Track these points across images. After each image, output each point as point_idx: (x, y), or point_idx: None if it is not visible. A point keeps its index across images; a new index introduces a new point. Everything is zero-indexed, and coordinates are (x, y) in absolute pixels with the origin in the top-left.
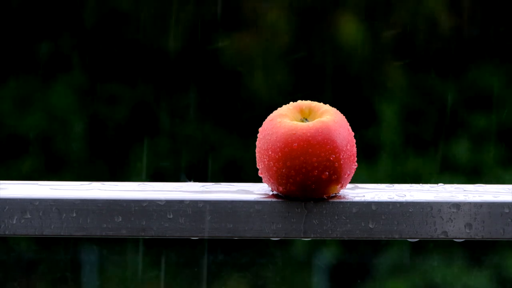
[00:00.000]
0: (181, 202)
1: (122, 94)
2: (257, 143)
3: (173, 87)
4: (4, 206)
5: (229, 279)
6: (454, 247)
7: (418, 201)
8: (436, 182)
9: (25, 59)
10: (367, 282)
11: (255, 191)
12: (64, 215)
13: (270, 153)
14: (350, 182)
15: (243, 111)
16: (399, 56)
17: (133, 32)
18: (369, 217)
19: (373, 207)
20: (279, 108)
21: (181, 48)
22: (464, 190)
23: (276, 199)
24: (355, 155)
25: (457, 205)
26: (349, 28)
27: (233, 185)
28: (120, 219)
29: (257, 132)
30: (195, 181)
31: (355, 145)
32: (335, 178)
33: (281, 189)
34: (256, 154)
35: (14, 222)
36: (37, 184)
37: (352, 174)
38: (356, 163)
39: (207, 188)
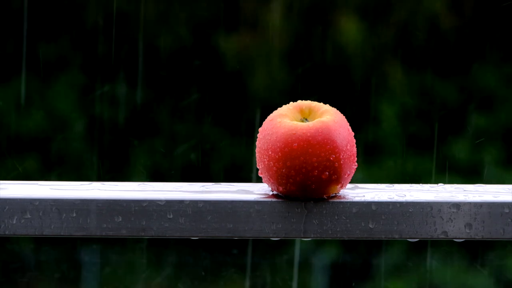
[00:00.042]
0: (181, 202)
1: (122, 94)
2: (257, 143)
3: (173, 87)
4: (4, 206)
5: (229, 279)
6: (454, 247)
7: (418, 201)
8: (436, 182)
9: (25, 59)
10: (367, 282)
11: (255, 191)
12: (64, 215)
13: (270, 153)
14: (350, 182)
15: (243, 111)
16: (399, 56)
17: (133, 32)
18: (369, 217)
19: (373, 207)
20: (279, 108)
21: (181, 48)
22: (464, 190)
23: (276, 199)
24: (355, 155)
25: (457, 205)
26: (349, 28)
27: (233, 185)
28: (120, 219)
29: (257, 132)
30: (195, 181)
31: (355, 145)
32: (335, 178)
33: (281, 189)
34: (256, 154)
35: (14, 222)
36: (37, 184)
37: (352, 174)
38: (356, 163)
39: (207, 188)
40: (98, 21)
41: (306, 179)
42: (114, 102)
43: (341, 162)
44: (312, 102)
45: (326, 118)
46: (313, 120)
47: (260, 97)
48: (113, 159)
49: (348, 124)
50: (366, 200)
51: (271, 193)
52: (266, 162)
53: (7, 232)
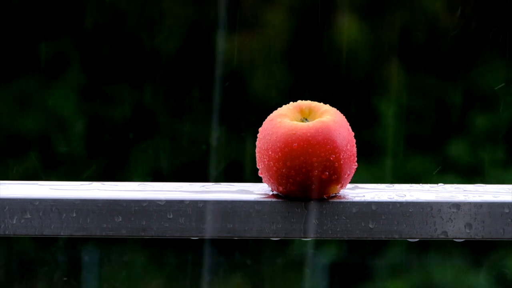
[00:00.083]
0: (181, 202)
1: (122, 94)
2: (257, 143)
3: (173, 87)
4: (4, 206)
5: (229, 279)
6: (454, 247)
7: (418, 201)
8: (436, 182)
9: (25, 59)
10: (367, 282)
11: (255, 191)
12: (64, 215)
13: (270, 153)
14: (350, 182)
15: (243, 111)
16: (399, 56)
17: (133, 32)
18: (369, 217)
19: (373, 207)
20: (279, 108)
21: (181, 48)
22: (464, 190)
23: (276, 199)
24: (355, 155)
25: (457, 205)
26: (349, 28)
27: (233, 185)
28: (120, 219)
29: (257, 132)
30: (195, 181)
31: (355, 145)
32: (335, 178)
33: (281, 189)
34: (256, 154)
35: (14, 222)
36: (37, 184)
37: (352, 174)
38: (356, 163)
39: (207, 188)
40: (98, 20)
41: (306, 179)
42: (114, 102)
43: (341, 162)
44: (312, 102)
45: (326, 118)
46: (313, 120)
47: (260, 97)
48: (113, 159)
49: (348, 124)
50: (366, 200)
51: (271, 193)
52: (266, 162)
53: (7, 232)
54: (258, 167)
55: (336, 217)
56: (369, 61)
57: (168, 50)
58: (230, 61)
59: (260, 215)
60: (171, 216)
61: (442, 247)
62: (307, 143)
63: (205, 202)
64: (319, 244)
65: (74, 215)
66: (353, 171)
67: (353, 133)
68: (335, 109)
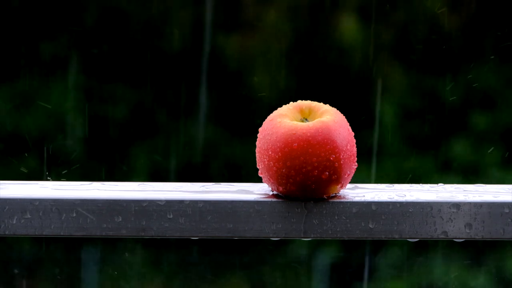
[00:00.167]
0: (181, 202)
1: (122, 94)
2: (257, 143)
3: (173, 87)
4: (4, 206)
5: (229, 279)
6: (454, 247)
7: (418, 201)
8: (436, 182)
9: (25, 59)
10: (367, 282)
11: (255, 191)
12: (64, 215)
13: (270, 153)
14: (350, 182)
15: (243, 111)
16: (399, 56)
17: (133, 32)
18: (369, 217)
19: (373, 207)
20: (279, 108)
21: (181, 48)
22: (464, 190)
23: (276, 199)
24: (355, 155)
25: (457, 205)
26: (349, 28)
27: (233, 185)
28: (120, 219)
29: (257, 132)
30: (195, 181)
31: (355, 145)
32: (335, 178)
33: (281, 189)
34: (256, 154)
35: (14, 222)
36: (37, 184)
37: (352, 174)
38: (356, 163)
39: (207, 188)
40: (98, 20)
41: (306, 179)
42: (114, 102)
43: (341, 162)
44: (312, 102)
45: (326, 118)
46: (313, 120)
47: (260, 97)
48: (113, 159)
49: (348, 124)
50: (366, 200)
51: (271, 193)
52: (266, 162)
53: (7, 232)
54: (258, 167)
55: (336, 217)
56: (369, 61)
57: (168, 50)
58: (230, 61)
59: (260, 215)
60: (171, 216)
61: (442, 247)
62: (307, 143)
63: (205, 202)
64: (319, 244)
65: (74, 215)
66: (353, 171)
67: (353, 133)
68: (335, 109)
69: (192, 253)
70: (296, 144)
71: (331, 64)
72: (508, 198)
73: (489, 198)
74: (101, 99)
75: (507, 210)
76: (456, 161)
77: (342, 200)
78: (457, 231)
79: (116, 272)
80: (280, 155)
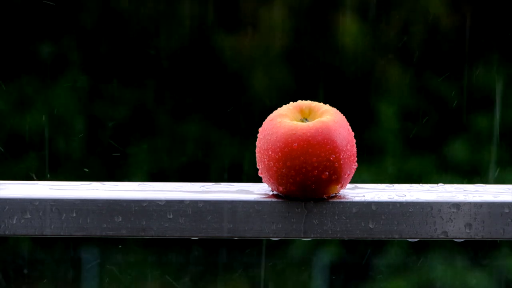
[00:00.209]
0: (181, 202)
1: (122, 94)
2: (257, 143)
3: (173, 87)
4: (4, 206)
5: (229, 279)
6: (454, 247)
7: (418, 201)
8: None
9: (25, 59)
10: (367, 282)
11: (255, 191)
12: (64, 215)
13: (270, 153)
14: (350, 182)
15: (243, 111)
16: (399, 56)
17: (133, 32)
18: (369, 217)
19: (373, 207)
20: (279, 108)
21: (181, 48)
22: (464, 190)
23: (276, 199)
24: (355, 155)
25: (457, 205)
26: (349, 28)
27: (233, 185)
28: (120, 219)
29: (257, 132)
30: (195, 181)
31: (355, 145)
32: (335, 178)
33: (281, 189)
34: (256, 154)
35: (14, 222)
36: (37, 184)
37: (352, 174)
38: (356, 163)
39: (207, 188)
40: (98, 21)
41: (306, 179)
42: (114, 102)
43: (341, 162)
44: (312, 102)
45: (326, 118)
46: (313, 120)
47: (260, 97)
48: (113, 159)
49: (348, 124)
50: (366, 200)
51: (271, 193)
52: (266, 162)
53: (7, 232)
54: (258, 167)
55: (336, 217)
56: (369, 61)
57: (168, 50)
58: (230, 61)
59: (260, 215)
60: (171, 216)
61: (442, 247)
62: (307, 143)
63: (205, 202)
64: (319, 244)
65: (74, 215)
66: (353, 171)
67: (353, 133)
68: (335, 109)
69: (192, 253)
70: (296, 144)
71: (331, 64)
72: (508, 198)
73: (489, 198)
74: (101, 99)
75: (507, 210)
76: (456, 161)
77: (342, 200)
78: (457, 231)
79: (116, 272)
80: (280, 155)
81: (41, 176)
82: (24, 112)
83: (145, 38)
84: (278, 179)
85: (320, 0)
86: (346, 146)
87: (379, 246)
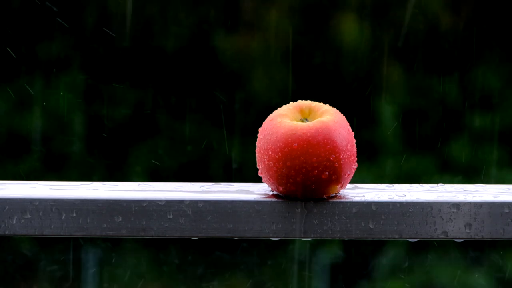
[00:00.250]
0: (181, 202)
1: (122, 94)
2: (257, 143)
3: (173, 87)
4: (4, 206)
5: (229, 279)
6: (454, 247)
7: (418, 201)
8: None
9: (25, 59)
10: (367, 282)
11: (255, 191)
12: (64, 215)
13: (270, 153)
14: (350, 182)
15: (243, 111)
16: (399, 56)
17: (133, 32)
18: (369, 217)
19: (373, 207)
20: (279, 108)
21: (181, 48)
22: (464, 190)
23: (276, 199)
24: (355, 155)
25: (457, 205)
26: (349, 28)
27: (233, 185)
28: (120, 219)
29: (257, 132)
30: (195, 181)
31: (355, 145)
32: (335, 178)
33: (281, 189)
34: (256, 154)
35: (14, 222)
36: (37, 184)
37: (352, 174)
38: (356, 163)
39: (207, 188)
40: (98, 20)
41: (306, 179)
42: (114, 102)
43: (341, 162)
44: (312, 102)
45: (326, 118)
46: (313, 120)
47: (260, 97)
48: (113, 159)
49: (348, 124)
50: (366, 200)
51: (271, 193)
52: (266, 162)
53: (7, 232)
54: (258, 167)
55: (336, 217)
56: (369, 61)
57: (168, 50)
58: (230, 61)
59: (260, 215)
60: (171, 216)
61: (442, 247)
62: (307, 143)
63: (205, 202)
64: (319, 244)
65: (74, 215)
66: (353, 171)
67: (353, 133)
68: (335, 109)
69: (192, 253)
70: (296, 144)
71: (331, 64)
72: (508, 198)
73: (489, 198)
74: (101, 99)
75: (507, 210)
76: (456, 161)
77: (342, 200)
78: (457, 231)
79: (115, 272)
80: (280, 155)
81: (41, 176)
82: (24, 112)
83: (145, 38)
84: (278, 179)
85: (320, 0)
86: (346, 146)
87: (379, 246)
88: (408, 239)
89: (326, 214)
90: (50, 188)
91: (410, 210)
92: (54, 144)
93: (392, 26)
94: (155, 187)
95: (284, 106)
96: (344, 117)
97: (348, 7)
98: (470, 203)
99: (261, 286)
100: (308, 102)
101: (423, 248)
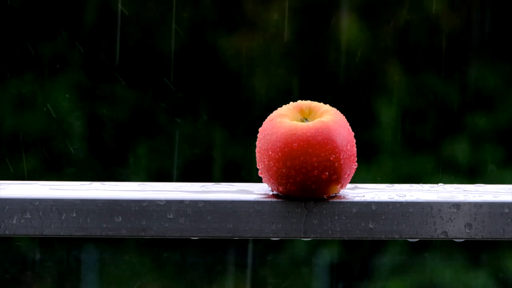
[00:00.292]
0: (181, 202)
1: (122, 94)
2: (257, 143)
3: (173, 87)
4: (4, 206)
5: (229, 279)
6: (454, 247)
7: (418, 201)
8: (436, 182)
9: (25, 59)
10: (367, 282)
11: (255, 191)
12: (64, 215)
13: (270, 153)
14: (350, 182)
15: (243, 111)
16: (398, 56)
17: (133, 32)
18: (369, 217)
19: (373, 207)
20: (279, 108)
21: (181, 48)
22: (464, 190)
23: (276, 199)
24: (355, 155)
25: (457, 205)
26: (350, 28)
27: (233, 185)
28: (120, 219)
29: (257, 132)
30: (195, 181)
31: (355, 145)
32: (335, 178)
33: (281, 189)
34: (256, 154)
35: (14, 222)
36: (37, 184)
37: (352, 174)
38: (356, 163)
39: (207, 188)
40: (98, 20)
41: (306, 179)
42: (114, 102)
43: (341, 162)
44: (312, 102)
45: (326, 118)
46: (313, 120)
47: (260, 97)
48: (113, 159)
49: (348, 124)
50: (366, 200)
51: (271, 193)
52: (266, 162)
53: (7, 232)
54: (258, 167)
55: (336, 217)
56: (369, 61)
57: (168, 50)
58: (230, 61)
59: (260, 215)
60: (171, 216)
61: (442, 247)
62: (307, 143)
63: (205, 202)
64: (319, 244)
65: (74, 215)
66: (353, 171)
67: (353, 133)
68: (335, 109)
69: (192, 253)
70: (296, 144)
71: (331, 64)
72: (508, 198)
73: (489, 198)
74: (101, 99)
75: (507, 210)
76: (456, 161)
77: (342, 200)
78: (457, 231)
79: (116, 272)
80: (280, 155)
81: (41, 176)
82: (24, 112)
83: (145, 38)
84: (278, 179)
85: (321, 0)
86: (346, 146)
87: (379, 246)
88: (408, 239)
89: (326, 214)
90: (50, 188)
91: (410, 210)
92: (54, 144)
93: (392, 26)
94: (155, 187)
95: (284, 106)
96: (344, 117)
97: (348, 7)
98: (470, 203)
99: (261, 286)
100: (308, 102)
101: (423, 248)
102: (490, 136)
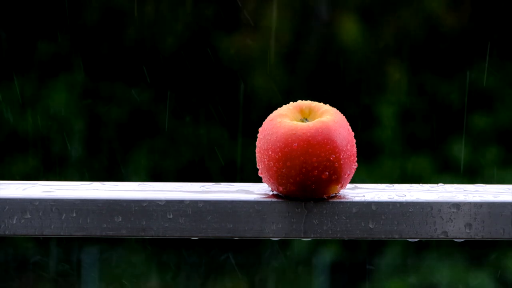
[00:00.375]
0: (181, 202)
1: (122, 94)
2: (257, 143)
3: (173, 87)
4: (4, 206)
5: (229, 279)
6: (454, 247)
7: (418, 201)
8: (436, 182)
9: (25, 59)
10: (367, 282)
11: (255, 191)
12: (64, 215)
13: (270, 153)
14: (350, 182)
15: (243, 111)
16: (399, 56)
17: (133, 32)
18: (369, 217)
19: (373, 207)
20: (279, 108)
21: (181, 48)
22: (464, 190)
23: (276, 199)
24: (355, 155)
25: (457, 205)
26: (350, 29)
27: (233, 185)
28: (120, 219)
29: (257, 132)
30: (195, 181)
31: (355, 145)
32: (335, 178)
33: (281, 189)
34: (256, 154)
35: (14, 222)
36: (37, 184)
37: (352, 174)
38: (356, 163)
39: (207, 188)
40: (98, 20)
41: (306, 179)
42: (114, 102)
43: (341, 162)
44: (312, 102)
45: (326, 118)
46: (313, 120)
47: (260, 97)
48: (113, 159)
49: (348, 124)
50: (366, 200)
51: (271, 193)
52: (266, 162)
53: (7, 232)
54: (258, 167)
55: (336, 217)
56: (369, 61)
57: (168, 50)
58: (230, 61)
59: (260, 215)
60: (171, 216)
61: (442, 247)
62: (307, 143)
63: (205, 202)
64: (319, 244)
65: (74, 215)
66: (353, 171)
67: (353, 133)
68: (335, 109)
69: (192, 253)
70: (296, 144)
71: (331, 64)
72: (508, 198)
73: (489, 198)
74: (101, 99)
75: (507, 210)
76: (456, 161)
77: (342, 200)
78: (457, 231)
79: (115, 272)
80: (280, 155)
81: (41, 176)
82: (24, 112)
83: (145, 38)
84: (278, 179)
85: (320, 0)
86: (346, 146)
87: (379, 246)
88: (408, 239)
89: (326, 214)
90: (50, 188)
91: (410, 210)
92: (54, 144)
93: (393, 26)
94: (155, 187)
95: (284, 106)
96: (344, 117)
97: (348, 7)
98: (470, 203)
99: (261, 286)
100: (308, 102)
101: (423, 248)
102: (490, 136)
